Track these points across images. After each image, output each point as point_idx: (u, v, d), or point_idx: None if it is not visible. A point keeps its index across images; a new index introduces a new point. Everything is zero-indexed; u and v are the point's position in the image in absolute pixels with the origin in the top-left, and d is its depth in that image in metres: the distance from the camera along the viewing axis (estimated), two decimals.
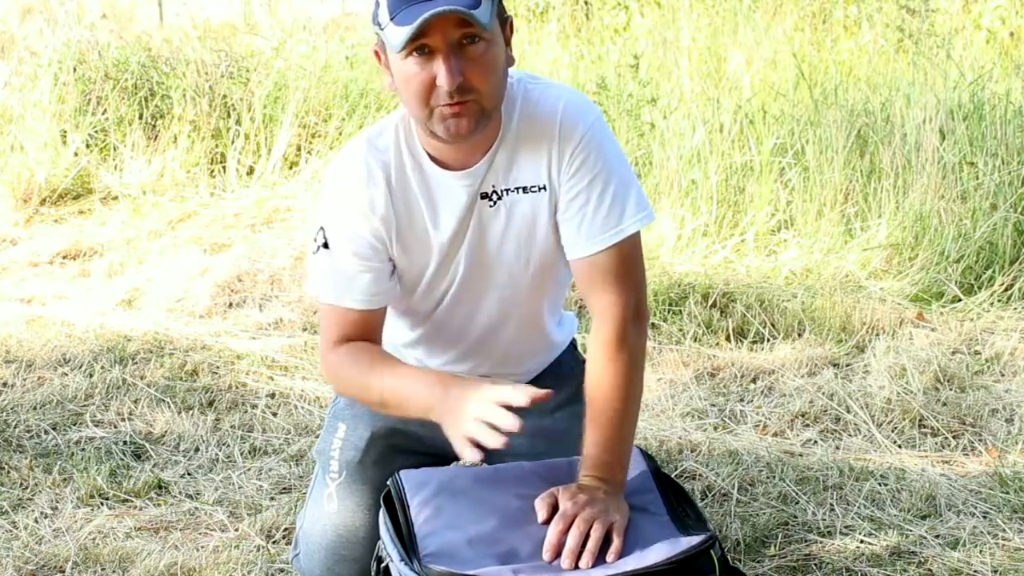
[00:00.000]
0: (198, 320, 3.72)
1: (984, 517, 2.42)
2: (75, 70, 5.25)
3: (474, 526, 1.73)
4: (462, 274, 1.90)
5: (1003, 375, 3.20)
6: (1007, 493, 2.52)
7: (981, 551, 2.27)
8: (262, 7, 6.51)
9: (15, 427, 2.93)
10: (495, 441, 1.63)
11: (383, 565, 1.76)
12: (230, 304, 3.84)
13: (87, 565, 2.29)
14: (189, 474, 2.72)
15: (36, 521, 2.47)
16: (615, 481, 1.80)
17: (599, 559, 1.67)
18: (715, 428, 2.93)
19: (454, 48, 1.68)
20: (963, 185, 4.03)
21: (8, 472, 2.70)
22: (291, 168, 5.13)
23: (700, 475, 2.63)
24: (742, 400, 3.10)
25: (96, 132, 5.17)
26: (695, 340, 3.46)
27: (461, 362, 2.05)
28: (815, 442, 2.83)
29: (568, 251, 1.87)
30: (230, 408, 3.08)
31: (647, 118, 4.74)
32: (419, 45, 1.68)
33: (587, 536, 1.68)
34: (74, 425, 2.97)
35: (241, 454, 2.81)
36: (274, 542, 2.38)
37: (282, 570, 2.26)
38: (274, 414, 3.04)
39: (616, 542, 1.69)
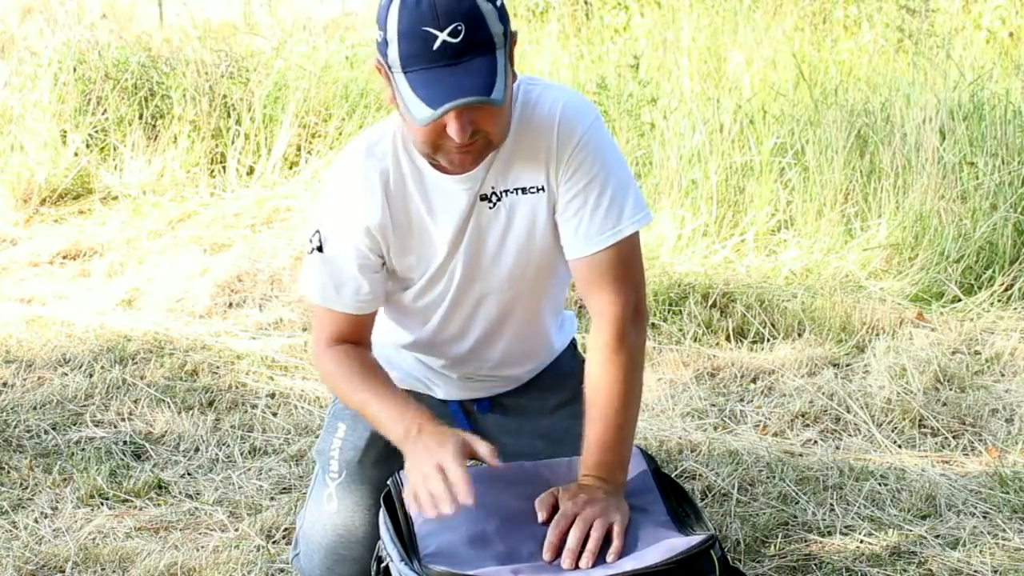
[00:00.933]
0: (198, 320, 3.72)
1: (984, 517, 2.42)
2: (75, 70, 5.25)
3: (474, 526, 1.73)
4: (460, 275, 1.90)
5: (1003, 375, 3.20)
6: (1007, 493, 2.52)
7: (981, 551, 2.27)
8: (262, 7, 6.51)
9: (15, 427, 2.93)
10: (431, 513, 1.67)
11: (383, 565, 1.76)
12: (230, 304, 3.84)
13: (87, 565, 2.29)
14: (189, 474, 2.72)
15: (36, 521, 2.47)
16: (615, 481, 1.80)
17: (599, 559, 1.67)
18: (715, 428, 2.93)
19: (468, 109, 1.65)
20: (963, 185, 4.03)
21: (8, 472, 2.70)
22: (291, 168, 5.13)
23: (700, 475, 2.63)
24: (742, 400, 3.10)
25: (96, 132, 5.17)
26: (695, 340, 3.46)
27: (461, 364, 2.05)
28: (815, 442, 2.83)
29: (567, 251, 1.87)
30: (230, 408, 3.08)
31: (647, 118, 4.74)
32: None
33: (587, 536, 1.68)
34: (74, 425, 2.97)
35: (241, 454, 2.81)
36: (274, 542, 2.38)
37: (282, 570, 2.26)
38: (274, 414, 3.04)
39: (616, 542, 1.69)
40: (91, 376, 3.23)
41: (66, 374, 3.26)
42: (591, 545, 1.67)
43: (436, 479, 1.67)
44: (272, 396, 3.14)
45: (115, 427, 2.96)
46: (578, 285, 1.89)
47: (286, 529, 2.41)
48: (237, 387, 3.20)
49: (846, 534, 2.36)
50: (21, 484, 2.65)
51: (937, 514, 2.44)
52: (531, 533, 1.72)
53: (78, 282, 4.09)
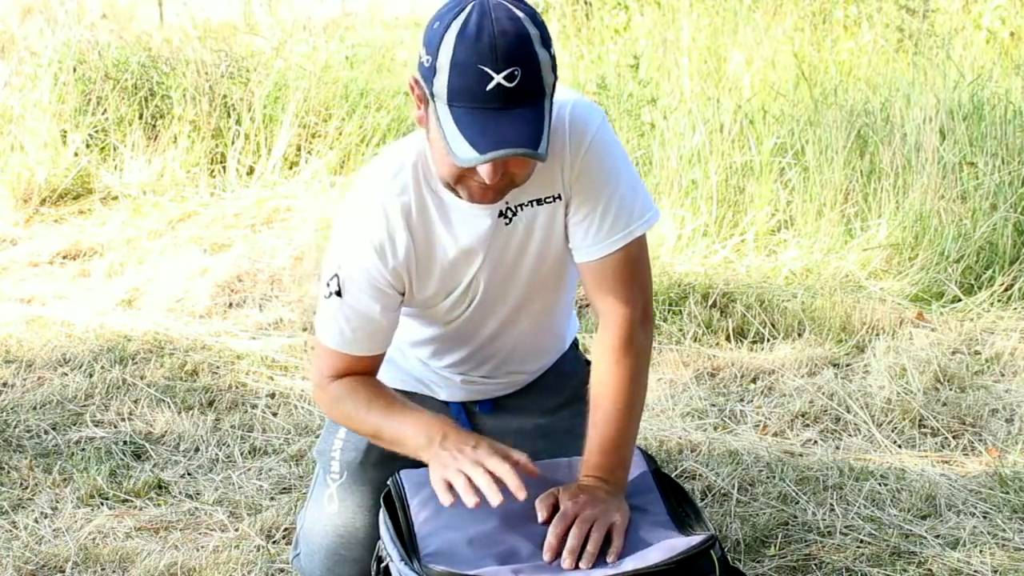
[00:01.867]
0: (198, 320, 3.72)
1: (984, 517, 2.42)
2: (75, 70, 5.25)
3: (474, 526, 1.73)
4: (483, 291, 1.89)
5: (1003, 375, 3.20)
6: (1007, 493, 2.52)
7: (981, 551, 2.27)
8: (262, 7, 6.50)
9: (15, 427, 2.93)
10: (470, 501, 1.65)
11: (383, 565, 1.76)
12: (230, 304, 3.84)
13: (87, 565, 2.29)
14: (189, 474, 2.72)
15: (36, 521, 2.47)
16: (616, 481, 1.80)
17: (599, 559, 1.67)
18: (715, 428, 2.93)
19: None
20: (963, 185, 4.03)
21: (8, 472, 2.70)
22: (291, 168, 5.13)
23: (700, 475, 2.63)
24: (742, 400, 3.10)
25: (96, 132, 5.17)
26: (695, 340, 3.46)
27: (468, 362, 2.05)
28: (815, 442, 2.83)
29: (576, 255, 1.86)
30: (230, 408, 3.08)
31: (647, 118, 4.74)
32: None
33: (587, 536, 1.68)
34: (74, 425, 2.97)
35: (241, 454, 2.81)
36: (274, 542, 2.38)
37: (282, 570, 2.26)
38: (274, 414, 3.04)
39: (616, 542, 1.69)
40: (91, 376, 3.23)
41: (66, 374, 3.26)
42: (591, 546, 1.67)
43: (479, 472, 1.66)
44: (272, 396, 3.14)
45: (115, 427, 2.96)
46: (587, 287, 1.89)
47: (286, 529, 2.41)
48: (237, 387, 3.20)
49: (846, 534, 2.36)
50: (21, 484, 2.65)
51: (937, 514, 2.44)
52: (531, 533, 1.72)
53: (78, 282, 4.09)
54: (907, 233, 3.96)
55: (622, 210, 1.81)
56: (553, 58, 1.62)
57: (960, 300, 3.66)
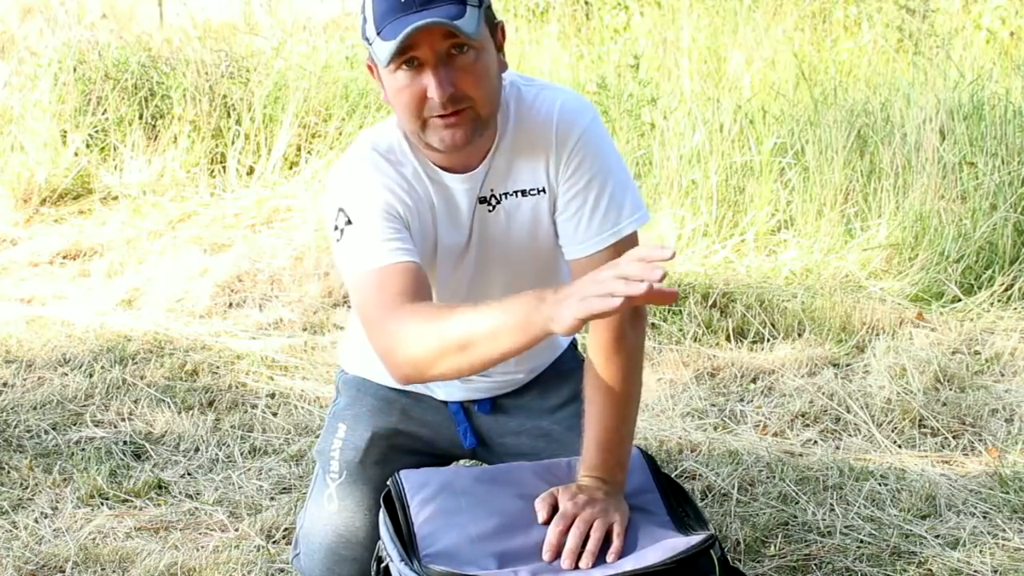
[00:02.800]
0: (198, 320, 3.72)
1: (984, 517, 2.42)
2: (75, 70, 5.25)
3: (474, 526, 1.73)
4: (470, 276, 1.90)
5: (1003, 375, 3.20)
6: (1007, 493, 2.52)
7: (981, 551, 2.27)
8: (262, 7, 6.51)
9: (15, 427, 2.93)
10: (639, 288, 1.36)
11: (383, 565, 1.76)
12: (230, 304, 3.84)
13: (87, 565, 2.29)
14: (189, 474, 2.72)
15: (36, 521, 2.47)
16: (615, 481, 1.80)
17: (599, 559, 1.67)
18: (715, 428, 2.93)
19: (443, 59, 1.66)
20: (963, 185, 4.03)
21: (8, 472, 2.70)
22: (291, 168, 5.13)
23: (700, 475, 2.63)
24: (742, 400, 3.10)
25: (96, 132, 5.17)
26: (695, 340, 3.46)
27: None
28: (815, 442, 2.83)
29: (566, 252, 1.87)
30: (230, 408, 3.08)
31: (647, 118, 4.74)
32: (407, 58, 1.66)
33: (587, 537, 1.68)
34: (74, 425, 2.97)
35: (241, 454, 2.81)
36: (274, 542, 2.38)
37: (282, 570, 2.26)
38: (274, 414, 3.04)
39: (616, 542, 1.69)
40: (91, 376, 3.23)
41: (66, 374, 3.26)
42: (591, 545, 1.67)
43: (635, 265, 1.39)
44: (272, 396, 3.14)
45: (115, 427, 2.96)
46: None
47: (286, 529, 2.41)
48: (237, 387, 3.20)
49: (846, 534, 2.36)
50: (21, 484, 2.65)
51: (937, 514, 2.44)
52: (531, 533, 1.72)
53: (78, 282, 4.09)
54: (907, 233, 3.96)
55: (611, 207, 1.82)
56: None
57: (960, 300, 3.66)
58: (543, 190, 1.84)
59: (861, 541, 2.33)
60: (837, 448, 2.79)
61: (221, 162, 5.14)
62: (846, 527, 2.39)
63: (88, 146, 5.12)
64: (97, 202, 4.85)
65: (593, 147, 1.82)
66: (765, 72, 5.40)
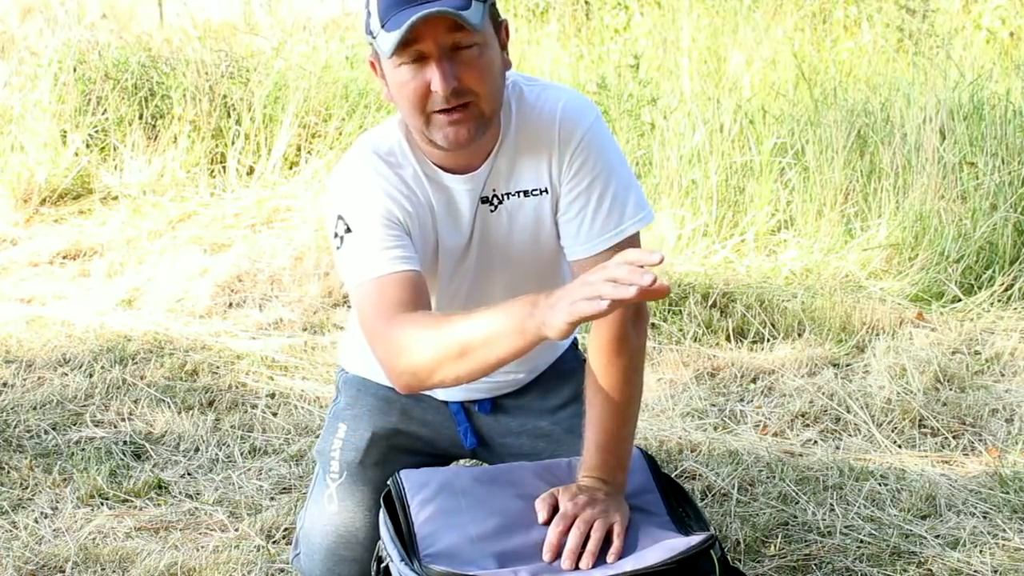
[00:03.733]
0: (198, 320, 3.72)
1: (984, 517, 2.42)
2: (75, 70, 5.25)
3: (474, 526, 1.73)
4: (472, 277, 1.90)
5: (1003, 375, 3.20)
6: (1007, 493, 2.52)
7: (981, 551, 2.27)
8: (262, 7, 6.51)
9: (15, 427, 2.93)
10: (627, 292, 1.36)
11: (383, 565, 1.76)
12: (230, 304, 3.84)
13: (87, 565, 2.29)
14: (189, 474, 2.72)
15: (36, 521, 2.47)
16: (615, 482, 1.80)
17: (599, 560, 1.67)
18: (715, 428, 2.93)
19: (447, 52, 1.65)
20: (963, 185, 4.03)
21: (8, 472, 2.70)
22: (291, 168, 5.13)
23: (700, 475, 2.63)
24: (742, 400, 3.10)
25: (96, 132, 5.17)
26: (695, 340, 3.46)
27: None
28: (815, 442, 2.83)
29: (568, 252, 1.87)
30: (230, 408, 3.08)
31: (647, 118, 4.74)
32: (411, 51, 1.66)
33: (587, 537, 1.68)
34: (74, 425, 2.97)
35: (241, 454, 2.81)
36: (274, 542, 2.38)
37: (282, 570, 2.26)
38: (274, 414, 3.04)
39: (616, 543, 1.69)
40: (91, 376, 3.23)
41: (66, 374, 3.26)
42: (591, 546, 1.67)
43: (612, 269, 1.41)
44: (272, 396, 3.14)
45: (115, 427, 2.96)
46: None
47: (286, 529, 2.41)
48: (237, 387, 3.20)
49: (846, 534, 2.36)
50: (21, 484, 2.65)
51: (937, 514, 2.44)
52: (531, 534, 1.72)
53: (78, 282, 4.09)
54: (907, 233, 3.96)
55: (614, 207, 1.81)
56: None
57: (960, 300, 3.66)
58: (545, 190, 1.83)
59: (861, 541, 2.33)
60: (837, 448, 2.79)
61: (221, 162, 5.14)
62: (846, 527, 2.39)
63: (88, 146, 5.12)
64: (97, 202, 4.85)
65: (596, 147, 1.81)
66: (765, 72, 5.40)
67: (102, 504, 2.56)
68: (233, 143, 5.12)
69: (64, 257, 4.33)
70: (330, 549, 2.05)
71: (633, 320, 1.84)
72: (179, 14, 6.40)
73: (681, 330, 3.50)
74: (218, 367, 3.32)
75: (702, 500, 2.52)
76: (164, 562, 2.27)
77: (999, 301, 3.66)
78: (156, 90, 5.30)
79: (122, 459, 2.78)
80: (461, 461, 2.29)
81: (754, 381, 3.20)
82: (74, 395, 3.12)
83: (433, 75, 1.65)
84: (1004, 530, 2.36)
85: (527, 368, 2.11)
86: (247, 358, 3.38)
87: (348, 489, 2.07)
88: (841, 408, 2.97)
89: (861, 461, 2.69)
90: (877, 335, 3.42)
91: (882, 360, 3.19)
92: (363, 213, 1.77)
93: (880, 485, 2.56)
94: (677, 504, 1.83)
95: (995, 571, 2.21)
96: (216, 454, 2.81)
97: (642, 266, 1.38)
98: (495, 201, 1.84)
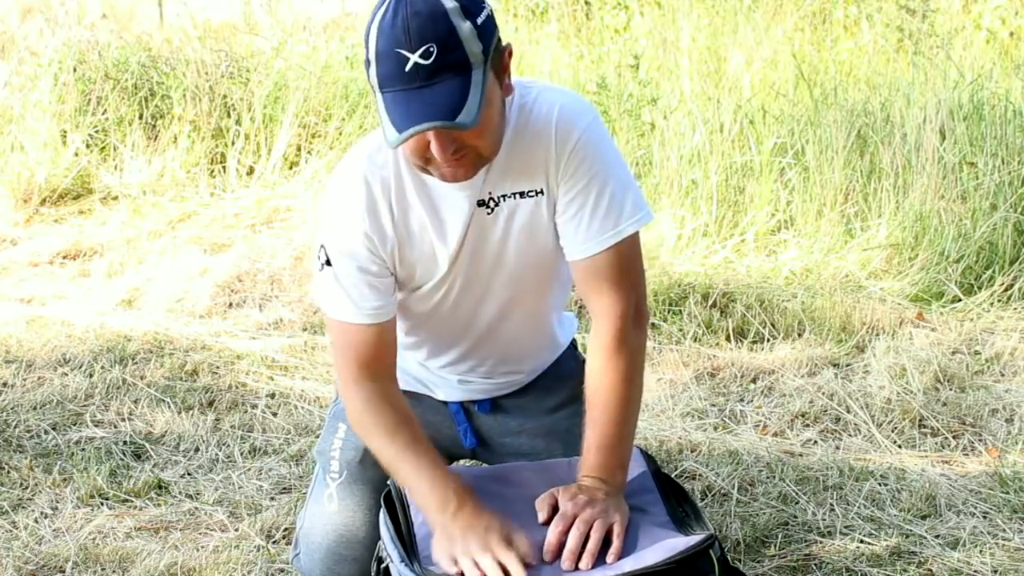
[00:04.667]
0: (198, 320, 3.72)
1: (984, 517, 2.42)
2: (75, 70, 5.25)
3: None
4: (461, 280, 1.90)
5: (1003, 375, 3.20)
6: (1007, 493, 2.52)
7: (981, 551, 2.27)
8: (262, 7, 6.51)
9: (15, 427, 2.93)
10: None
11: (383, 565, 1.76)
12: (230, 304, 3.84)
13: (87, 565, 2.29)
14: (189, 474, 2.72)
15: (36, 521, 2.47)
16: (615, 482, 1.80)
17: (599, 560, 1.67)
18: (715, 428, 2.93)
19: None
20: (963, 185, 4.03)
21: (8, 472, 2.70)
22: (291, 168, 5.13)
23: (700, 475, 2.63)
24: (742, 400, 3.11)
25: (96, 132, 5.17)
26: (695, 340, 3.46)
27: (462, 362, 2.05)
28: (815, 442, 2.83)
29: (567, 253, 1.86)
30: (230, 408, 3.08)
31: (647, 118, 4.74)
32: None
33: (587, 537, 1.68)
34: (74, 425, 2.97)
35: (241, 454, 2.81)
36: (274, 542, 2.38)
37: (282, 570, 2.26)
38: (274, 414, 3.04)
39: (616, 543, 1.69)
40: (91, 376, 3.23)
41: (66, 374, 3.26)
42: (591, 546, 1.67)
43: (488, 559, 1.64)
44: (272, 396, 3.14)
45: (115, 427, 2.96)
46: (578, 286, 1.89)
47: (286, 529, 2.41)
48: (237, 387, 3.20)
49: (846, 534, 2.36)
50: (21, 484, 2.65)
51: (937, 514, 2.44)
52: (531, 534, 1.71)
53: (78, 282, 4.10)
54: (907, 233, 3.96)
55: (612, 208, 1.81)
56: (480, 26, 1.62)
57: (960, 300, 3.66)
58: (541, 192, 1.83)
59: (861, 541, 2.33)
60: (837, 448, 2.79)
61: (221, 162, 5.14)
62: (846, 527, 2.39)
63: (88, 146, 5.12)
64: (97, 202, 4.85)
65: (593, 148, 1.81)
66: (765, 72, 5.40)
67: (102, 504, 2.56)
68: (233, 143, 5.12)
69: (64, 257, 4.33)
70: (330, 549, 2.05)
71: (633, 319, 1.84)
72: (179, 14, 6.40)
73: (681, 330, 3.50)
74: (218, 367, 3.32)
75: (702, 500, 2.52)
76: (164, 562, 2.27)
77: (999, 301, 3.66)
78: (156, 90, 5.30)
79: (122, 459, 2.78)
80: (461, 461, 2.29)
81: (754, 381, 3.20)
82: (74, 395, 3.12)
83: (433, 147, 1.65)
84: (1004, 530, 2.36)
85: (527, 369, 2.11)
86: (247, 358, 3.38)
87: (348, 489, 2.07)
88: (841, 408, 2.97)
89: (861, 461, 2.70)
90: (877, 335, 3.42)
91: (882, 360, 3.19)
92: (342, 254, 1.83)
93: (880, 485, 2.56)
94: (677, 504, 1.83)
95: (995, 571, 2.21)
96: (216, 454, 2.81)
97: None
98: (491, 204, 1.83)
